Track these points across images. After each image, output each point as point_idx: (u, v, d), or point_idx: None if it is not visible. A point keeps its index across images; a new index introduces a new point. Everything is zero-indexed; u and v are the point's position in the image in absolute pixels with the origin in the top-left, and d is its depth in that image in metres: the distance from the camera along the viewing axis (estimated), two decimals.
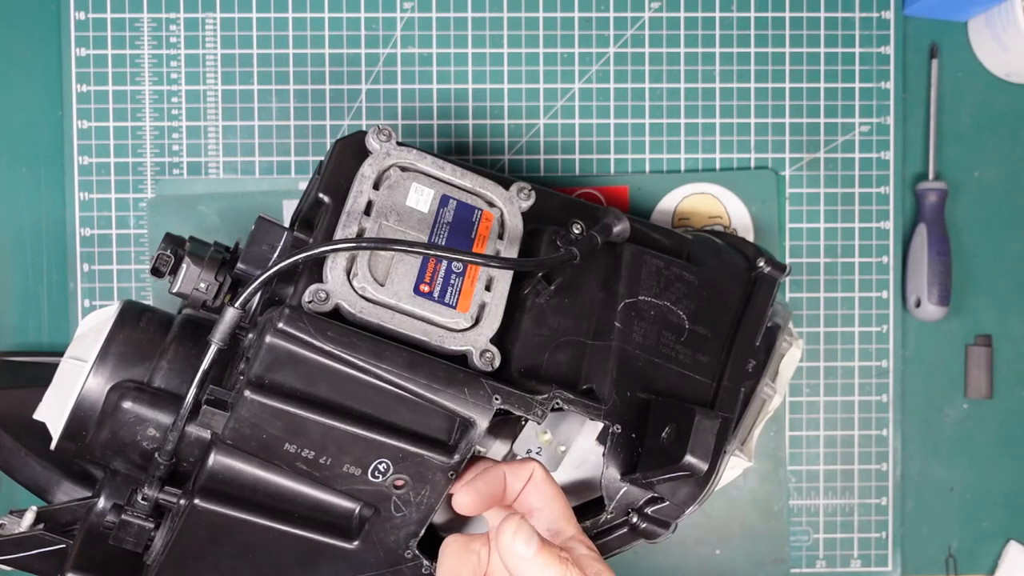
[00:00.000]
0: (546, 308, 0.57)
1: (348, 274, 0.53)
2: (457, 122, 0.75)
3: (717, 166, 0.76)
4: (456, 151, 0.75)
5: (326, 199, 0.56)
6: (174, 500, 0.54)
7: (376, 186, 0.56)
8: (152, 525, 0.54)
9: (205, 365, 0.51)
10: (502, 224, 0.58)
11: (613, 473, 0.56)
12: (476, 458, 0.55)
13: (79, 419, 0.55)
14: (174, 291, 0.56)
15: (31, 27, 0.74)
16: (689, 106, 0.76)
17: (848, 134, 0.76)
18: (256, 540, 0.53)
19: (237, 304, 0.51)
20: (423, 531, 0.54)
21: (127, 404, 0.54)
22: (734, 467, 0.61)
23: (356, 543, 0.54)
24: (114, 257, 0.74)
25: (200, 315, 0.58)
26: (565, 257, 0.55)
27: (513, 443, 0.58)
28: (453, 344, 0.53)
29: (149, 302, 0.69)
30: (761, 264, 0.63)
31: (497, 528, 0.46)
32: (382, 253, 0.53)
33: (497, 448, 0.59)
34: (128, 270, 0.74)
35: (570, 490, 0.62)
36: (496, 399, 0.52)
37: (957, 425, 0.78)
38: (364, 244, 0.52)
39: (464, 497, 0.51)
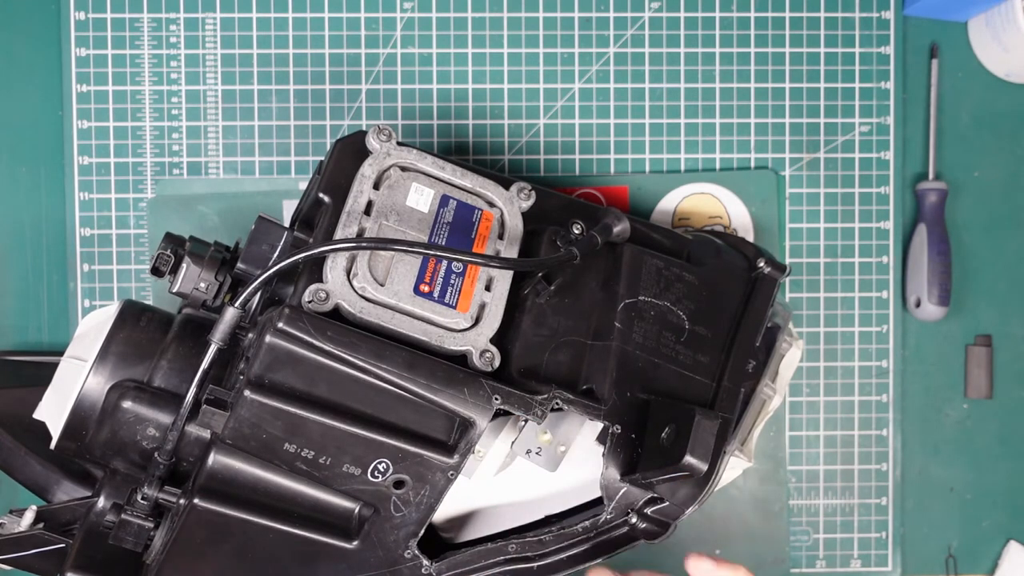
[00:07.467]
0: (546, 308, 0.57)
1: (348, 274, 0.52)
2: (457, 122, 0.75)
3: (717, 166, 0.76)
4: (456, 151, 0.75)
5: (326, 199, 0.56)
6: (174, 500, 0.54)
7: (376, 186, 0.56)
8: (152, 525, 0.54)
9: (205, 365, 0.51)
10: (502, 224, 0.58)
11: (613, 473, 0.56)
12: None
13: (79, 418, 0.55)
14: (174, 291, 0.56)
15: (31, 27, 0.74)
16: (689, 106, 0.76)
17: (848, 134, 0.76)
18: (256, 540, 0.53)
19: (237, 304, 0.51)
20: (423, 531, 0.54)
21: (127, 404, 0.54)
22: (734, 467, 0.61)
23: (356, 543, 0.54)
24: (114, 257, 0.74)
25: (200, 315, 0.58)
26: (565, 257, 0.55)
27: (513, 444, 0.58)
28: (453, 344, 0.53)
29: (149, 302, 0.69)
30: (761, 264, 0.63)
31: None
32: (382, 253, 0.53)
33: (497, 448, 0.59)
34: (128, 270, 0.74)
35: (570, 490, 0.62)
36: (496, 399, 0.52)
37: (957, 425, 0.78)
38: (364, 244, 0.52)
39: None
